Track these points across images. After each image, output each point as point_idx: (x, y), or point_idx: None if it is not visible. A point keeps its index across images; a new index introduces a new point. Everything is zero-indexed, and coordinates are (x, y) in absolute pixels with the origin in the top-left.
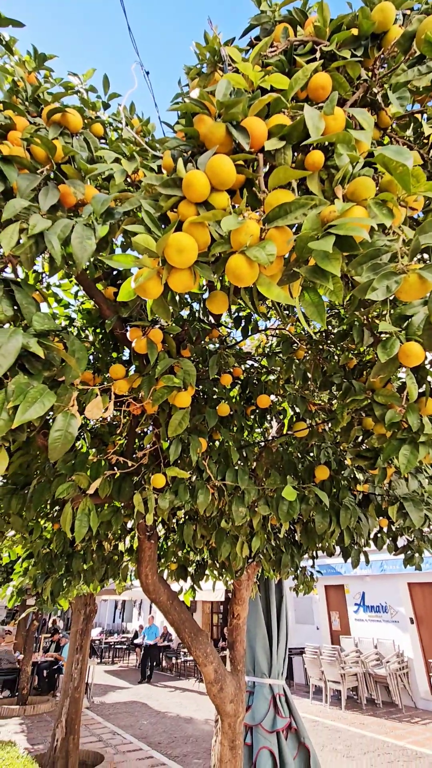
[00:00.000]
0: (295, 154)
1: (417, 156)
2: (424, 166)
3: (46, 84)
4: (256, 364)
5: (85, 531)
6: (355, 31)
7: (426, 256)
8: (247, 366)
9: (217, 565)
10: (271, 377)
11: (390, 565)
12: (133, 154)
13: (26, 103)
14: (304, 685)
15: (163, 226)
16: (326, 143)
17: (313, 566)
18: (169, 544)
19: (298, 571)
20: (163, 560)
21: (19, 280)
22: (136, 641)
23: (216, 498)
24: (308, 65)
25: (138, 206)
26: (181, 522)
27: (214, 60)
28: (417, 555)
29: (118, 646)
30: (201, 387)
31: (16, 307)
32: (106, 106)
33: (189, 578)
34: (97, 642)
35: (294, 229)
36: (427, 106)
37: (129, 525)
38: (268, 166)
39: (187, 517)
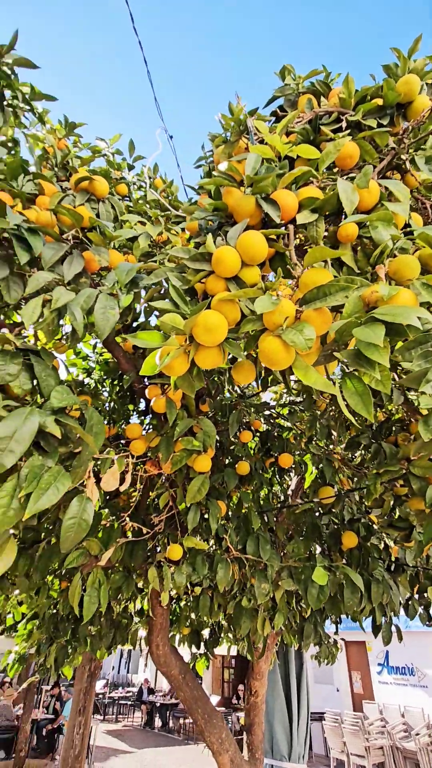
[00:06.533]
0: (327, 225)
1: None
2: None
3: (75, 148)
4: (275, 415)
5: (95, 608)
6: (379, 101)
7: None
8: (266, 417)
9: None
10: (292, 433)
11: (416, 621)
12: (157, 217)
13: (55, 168)
14: (324, 756)
15: (190, 298)
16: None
17: (336, 633)
18: (182, 605)
19: (322, 640)
20: (175, 625)
21: (38, 348)
22: (143, 698)
23: (236, 571)
24: (340, 138)
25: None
26: (196, 594)
27: (239, 129)
28: None
29: (123, 702)
30: (219, 438)
31: (35, 381)
32: (130, 167)
33: (202, 644)
34: (100, 696)
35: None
36: None
37: (140, 585)
38: (297, 238)
39: (203, 588)
